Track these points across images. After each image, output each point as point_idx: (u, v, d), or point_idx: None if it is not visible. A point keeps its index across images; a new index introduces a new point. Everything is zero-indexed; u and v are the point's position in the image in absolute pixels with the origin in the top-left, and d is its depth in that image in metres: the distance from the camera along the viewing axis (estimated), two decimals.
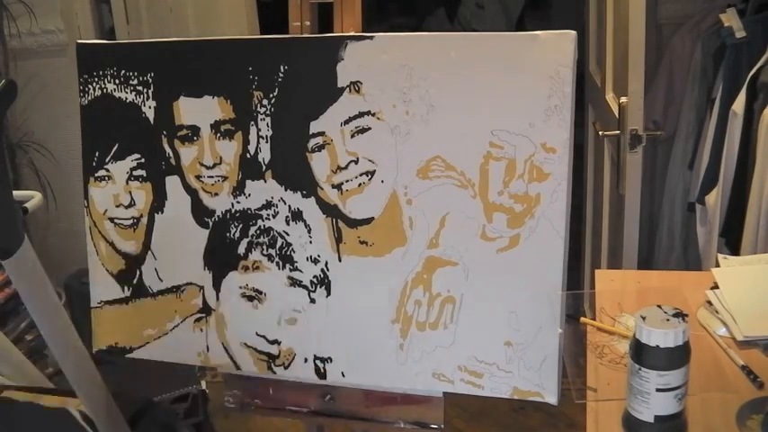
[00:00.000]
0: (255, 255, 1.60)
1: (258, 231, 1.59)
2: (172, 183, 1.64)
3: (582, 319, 1.43)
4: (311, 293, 1.58)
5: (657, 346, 1.05)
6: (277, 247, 1.58)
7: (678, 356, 1.07)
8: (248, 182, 1.58)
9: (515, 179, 1.43)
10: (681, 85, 2.57)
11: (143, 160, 1.65)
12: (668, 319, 1.07)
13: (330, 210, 1.54)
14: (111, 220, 1.69)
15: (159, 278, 1.67)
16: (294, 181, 1.55)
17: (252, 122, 1.56)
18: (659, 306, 1.10)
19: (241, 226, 1.60)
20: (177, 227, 1.65)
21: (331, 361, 1.59)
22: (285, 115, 1.54)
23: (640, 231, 2.12)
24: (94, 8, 2.92)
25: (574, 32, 1.38)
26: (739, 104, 2.03)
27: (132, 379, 2.13)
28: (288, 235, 1.57)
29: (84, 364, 1.69)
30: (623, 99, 2.01)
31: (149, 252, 1.67)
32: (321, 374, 1.60)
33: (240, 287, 1.62)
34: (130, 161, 1.66)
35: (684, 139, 2.59)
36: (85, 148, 1.69)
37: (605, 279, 1.63)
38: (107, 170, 1.68)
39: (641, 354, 1.07)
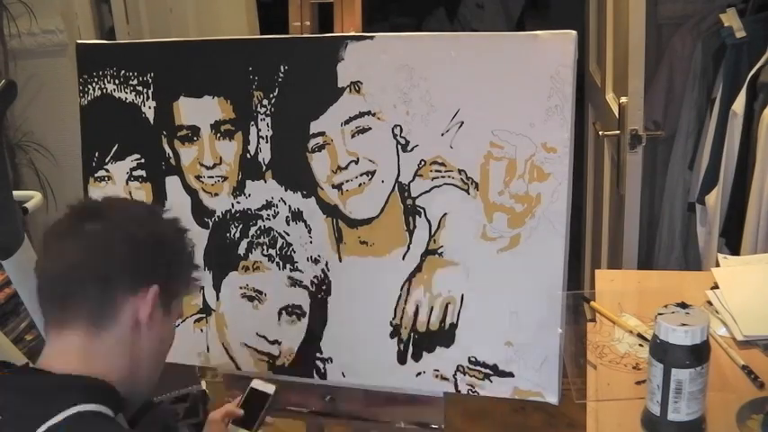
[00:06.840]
0: (256, 255, 1.60)
1: (258, 231, 1.59)
2: (172, 183, 1.64)
3: (592, 303, 1.43)
4: (312, 294, 1.58)
5: (679, 344, 1.06)
6: (277, 247, 1.58)
7: (699, 354, 1.07)
8: (248, 182, 1.58)
9: (516, 179, 1.43)
10: (681, 85, 2.57)
11: (143, 160, 1.65)
12: (688, 313, 1.08)
13: (330, 210, 1.54)
14: None
15: None
16: (294, 181, 1.55)
17: (252, 122, 1.56)
18: (679, 304, 1.11)
19: (241, 226, 1.60)
20: None
21: (331, 361, 1.59)
22: (285, 115, 1.54)
23: (640, 231, 2.12)
24: (94, 8, 2.91)
25: (574, 32, 1.38)
26: (739, 104, 2.02)
27: None
28: (288, 235, 1.57)
29: None
30: (623, 99, 2.00)
31: None
32: (321, 374, 1.60)
33: (240, 287, 1.62)
34: (130, 161, 1.66)
35: (684, 139, 2.58)
36: (85, 148, 1.69)
37: (605, 279, 1.63)
38: (107, 170, 1.68)
39: (662, 351, 1.07)
